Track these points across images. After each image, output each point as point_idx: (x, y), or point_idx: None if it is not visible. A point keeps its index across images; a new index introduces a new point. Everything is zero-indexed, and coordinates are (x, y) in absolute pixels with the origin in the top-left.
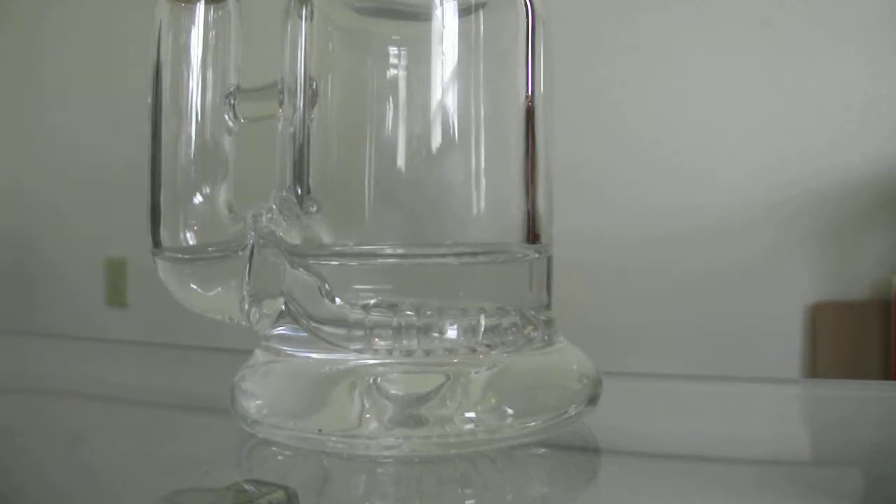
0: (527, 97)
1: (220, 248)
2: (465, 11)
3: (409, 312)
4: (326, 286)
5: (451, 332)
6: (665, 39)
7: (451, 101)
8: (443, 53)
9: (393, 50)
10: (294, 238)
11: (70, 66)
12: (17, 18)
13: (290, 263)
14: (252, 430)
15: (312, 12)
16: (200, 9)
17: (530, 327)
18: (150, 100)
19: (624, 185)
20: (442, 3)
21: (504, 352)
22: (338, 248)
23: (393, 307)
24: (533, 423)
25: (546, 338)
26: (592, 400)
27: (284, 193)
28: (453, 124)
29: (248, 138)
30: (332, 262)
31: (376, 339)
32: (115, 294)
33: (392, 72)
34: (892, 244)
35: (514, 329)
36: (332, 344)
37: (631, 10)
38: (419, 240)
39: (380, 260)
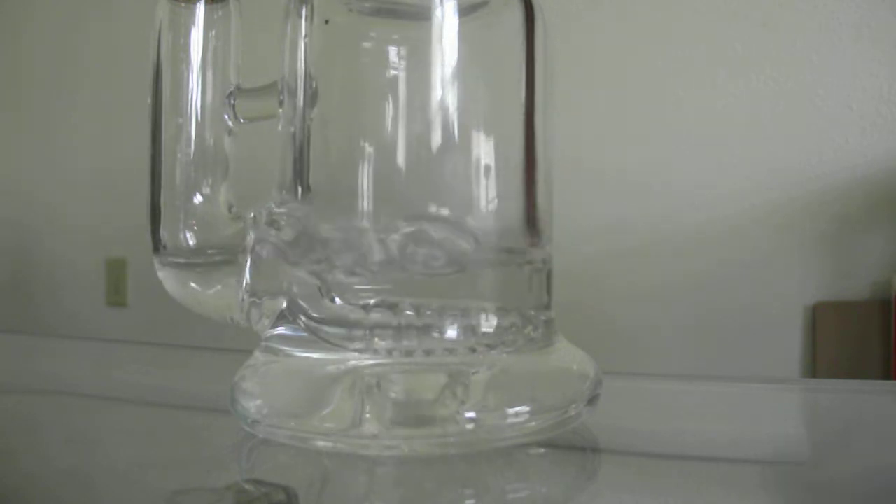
0: (527, 97)
1: (220, 249)
2: (465, 11)
3: (409, 312)
4: (326, 286)
5: (451, 332)
6: (665, 39)
7: (451, 101)
8: (443, 53)
9: (393, 50)
10: (294, 239)
11: (71, 69)
12: (31, 30)
13: (290, 263)
14: (252, 430)
15: (312, 12)
16: (200, 9)
17: (530, 327)
18: (150, 100)
19: (624, 184)
20: (442, 3)
21: (504, 352)
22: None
23: (393, 307)
24: (533, 423)
25: (546, 338)
26: (592, 400)
27: (284, 193)
28: (453, 124)
29: (247, 138)
30: (332, 265)
31: (376, 339)
32: (115, 294)
33: (392, 72)
34: (892, 244)
35: (514, 329)
36: (332, 344)
37: (631, 10)
38: None
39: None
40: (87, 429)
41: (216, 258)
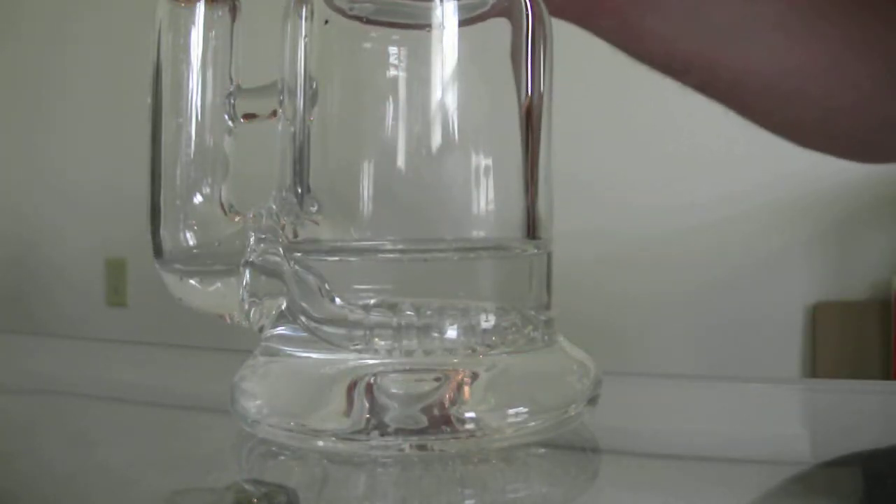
0: (527, 96)
1: (220, 249)
2: (464, 11)
3: (409, 312)
4: (326, 286)
5: (451, 332)
6: None
7: (451, 101)
8: (443, 53)
9: (393, 50)
10: (294, 238)
11: (70, 75)
12: (21, 33)
13: (290, 263)
14: (252, 430)
15: (312, 12)
16: (200, 9)
17: (530, 327)
18: (150, 100)
19: (626, 183)
20: (442, 3)
21: (504, 352)
22: (338, 249)
23: (393, 307)
24: (533, 423)
25: (546, 338)
26: (592, 400)
27: (284, 193)
28: (453, 124)
29: (248, 138)
30: (333, 263)
31: (376, 339)
32: (115, 294)
33: (392, 72)
34: (892, 244)
35: (514, 329)
36: (332, 344)
37: None
38: (419, 240)
39: (380, 259)
40: (86, 429)
41: (216, 257)
